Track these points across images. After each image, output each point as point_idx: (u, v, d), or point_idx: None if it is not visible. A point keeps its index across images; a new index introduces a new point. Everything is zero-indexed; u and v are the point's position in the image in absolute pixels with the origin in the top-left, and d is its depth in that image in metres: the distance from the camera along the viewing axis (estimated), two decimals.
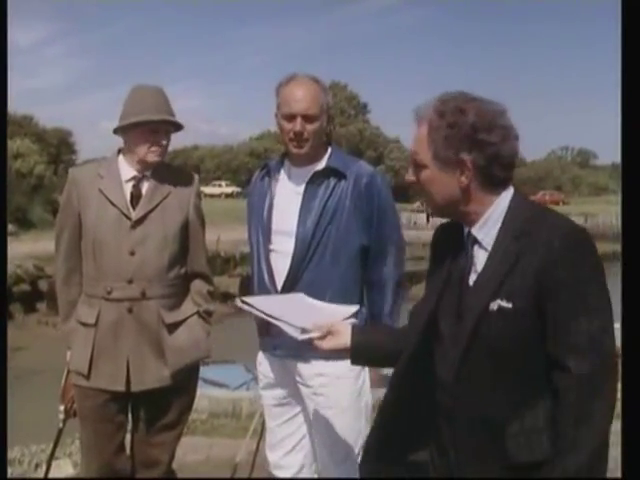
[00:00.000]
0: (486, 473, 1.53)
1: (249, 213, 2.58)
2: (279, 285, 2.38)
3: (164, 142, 2.56)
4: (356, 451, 2.43)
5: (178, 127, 2.63)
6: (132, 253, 2.52)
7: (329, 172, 2.40)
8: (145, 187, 2.60)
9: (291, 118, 2.34)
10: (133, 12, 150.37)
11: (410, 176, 1.60)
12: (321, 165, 2.42)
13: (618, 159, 1.78)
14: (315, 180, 2.39)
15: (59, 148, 38.39)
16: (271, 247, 2.42)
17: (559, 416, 1.43)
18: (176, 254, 2.60)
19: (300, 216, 2.37)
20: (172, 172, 2.69)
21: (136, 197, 2.58)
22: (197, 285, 2.71)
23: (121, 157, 2.63)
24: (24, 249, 20.28)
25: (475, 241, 1.57)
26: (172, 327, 2.59)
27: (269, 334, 2.40)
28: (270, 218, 2.43)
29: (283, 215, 2.41)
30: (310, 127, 2.34)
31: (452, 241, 1.65)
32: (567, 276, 1.42)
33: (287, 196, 2.43)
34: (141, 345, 2.55)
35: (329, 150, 2.47)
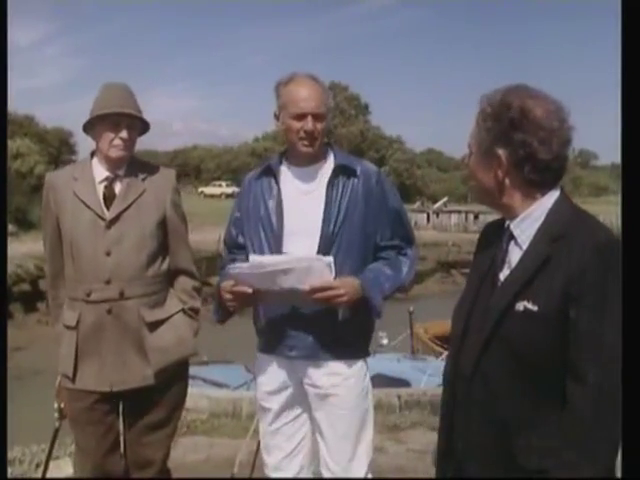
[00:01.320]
0: (489, 472, 1.53)
1: (245, 215, 2.51)
2: None
3: (125, 135, 2.51)
4: (361, 451, 2.43)
5: (145, 124, 2.61)
6: (108, 253, 2.51)
7: (340, 170, 2.40)
8: (119, 187, 2.58)
9: (301, 117, 2.33)
10: (134, 11, 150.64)
11: (465, 158, 1.61)
12: (331, 163, 2.42)
13: (618, 159, 1.78)
14: (331, 179, 2.39)
15: (59, 148, 38.35)
16: (282, 249, 2.38)
17: (574, 426, 1.41)
18: (155, 252, 2.58)
19: (325, 215, 2.35)
20: (147, 169, 2.65)
21: (110, 197, 2.57)
22: (181, 282, 2.69)
23: (95, 159, 2.62)
24: (24, 249, 20.27)
25: (511, 237, 1.56)
26: (154, 326, 2.57)
27: (282, 334, 2.38)
28: (280, 219, 2.39)
29: (292, 216, 2.39)
30: (319, 125, 2.35)
31: (495, 239, 1.63)
32: (596, 286, 1.40)
33: (293, 196, 2.42)
34: (122, 345, 2.53)
35: (331, 149, 2.48)
